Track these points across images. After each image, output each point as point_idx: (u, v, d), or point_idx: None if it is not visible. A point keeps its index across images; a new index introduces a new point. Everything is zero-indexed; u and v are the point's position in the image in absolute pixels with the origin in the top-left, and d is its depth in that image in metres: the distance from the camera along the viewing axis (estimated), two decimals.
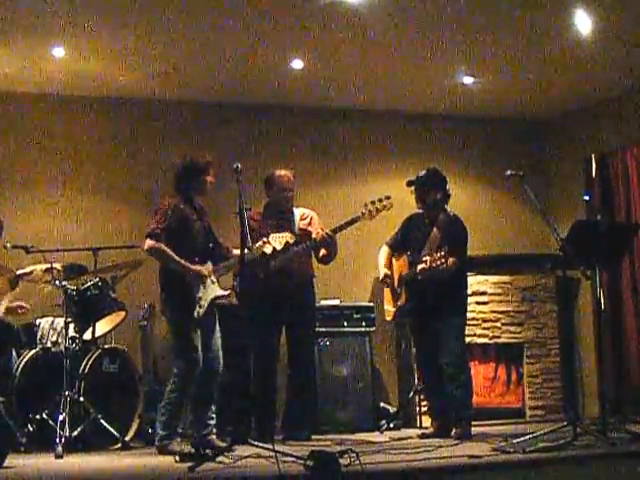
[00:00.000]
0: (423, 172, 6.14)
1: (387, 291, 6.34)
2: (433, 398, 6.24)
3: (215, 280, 5.29)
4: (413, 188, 6.13)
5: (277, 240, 5.39)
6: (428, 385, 6.28)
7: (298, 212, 6.29)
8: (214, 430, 5.27)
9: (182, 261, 5.16)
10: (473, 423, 5.88)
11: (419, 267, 5.85)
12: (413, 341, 6.46)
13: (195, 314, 5.14)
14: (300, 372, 6.17)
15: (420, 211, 6.21)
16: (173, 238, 5.19)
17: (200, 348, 5.17)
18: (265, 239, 5.38)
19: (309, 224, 6.27)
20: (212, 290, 5.25)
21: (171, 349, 5.33)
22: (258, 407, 5.86)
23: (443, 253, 5.68)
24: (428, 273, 5.79)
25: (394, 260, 6.27)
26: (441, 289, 5.86)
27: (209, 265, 5.30)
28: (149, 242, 5.19)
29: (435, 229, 6.01)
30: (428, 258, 5.78)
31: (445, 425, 5.96)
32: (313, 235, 6.10)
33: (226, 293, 5.31)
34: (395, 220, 6.37)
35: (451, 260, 5.72)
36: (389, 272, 6.23)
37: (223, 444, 4.99)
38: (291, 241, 5.48)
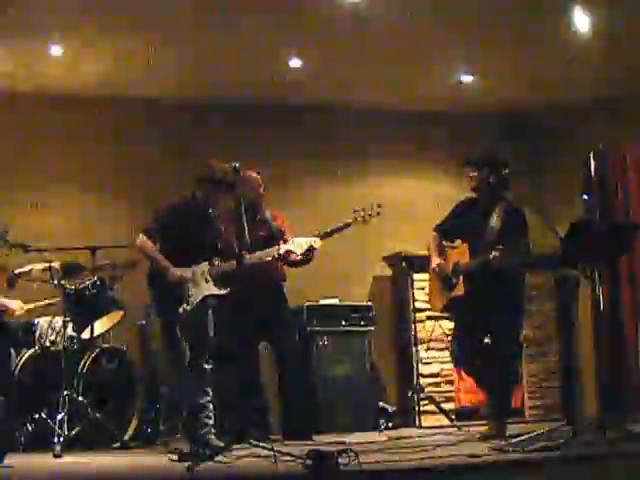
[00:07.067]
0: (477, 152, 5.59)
1: (434, 281, 5.77)
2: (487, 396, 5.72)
3: (209, 279, 5.24)
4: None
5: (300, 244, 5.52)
6: (480, 382, 5.72)
7: (267, 212, 6.28)
8: (212, 430, 5.26)
9: (162, 261, 5.15)
10: (473, 422, 5.84)
11: (492, 255, 5.17)
12: (460, 334, 5.67)
13: (181, 309, 5.12)
14: (285, 373, 6.17)
15: (474, 196, 5.62)
16: (169, 237, 5.21)
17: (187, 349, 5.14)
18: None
19: (281, 223, 6.25)
20: (204, 288, 5.21)
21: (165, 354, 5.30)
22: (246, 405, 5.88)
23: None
24: (498, 263, 5.15)
25: (449, 250, 5.70)
26: (502, 282, 5.31)
27: (204, 265, 5.25)
28: (138, 238, 5.26)
29: (495, 218, 5.43)
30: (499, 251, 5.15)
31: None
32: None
33: (220, 292, 5.23)
34: (396, 220, 6.35)
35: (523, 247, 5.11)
36: (440, 261, 5.63)
37: (221, 444, 4.98)
38: (316, 246, 5.56)
